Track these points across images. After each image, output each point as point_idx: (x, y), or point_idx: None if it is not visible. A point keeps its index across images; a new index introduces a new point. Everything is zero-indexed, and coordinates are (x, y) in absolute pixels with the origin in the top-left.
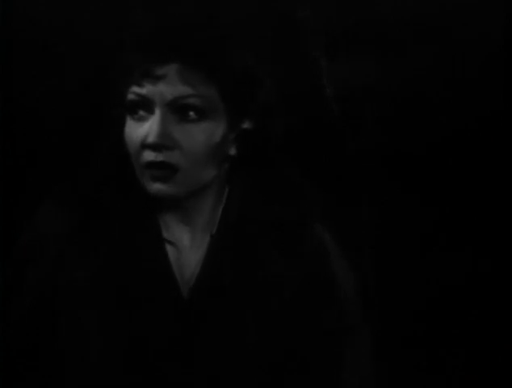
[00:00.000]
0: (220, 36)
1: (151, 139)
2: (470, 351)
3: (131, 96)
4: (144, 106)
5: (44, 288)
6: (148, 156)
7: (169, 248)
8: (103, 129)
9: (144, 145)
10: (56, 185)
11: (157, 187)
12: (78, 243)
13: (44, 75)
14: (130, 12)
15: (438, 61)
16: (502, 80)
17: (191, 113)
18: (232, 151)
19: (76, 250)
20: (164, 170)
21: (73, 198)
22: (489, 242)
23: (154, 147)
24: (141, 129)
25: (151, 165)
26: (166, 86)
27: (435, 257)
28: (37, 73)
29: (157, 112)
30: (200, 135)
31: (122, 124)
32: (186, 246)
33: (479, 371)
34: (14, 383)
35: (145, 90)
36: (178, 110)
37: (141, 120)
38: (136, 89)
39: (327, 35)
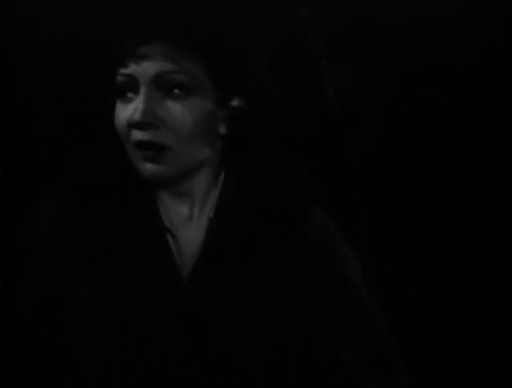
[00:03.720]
0: (203, 14)
1: (136, 117)
2: (470, 351)
3: (118, 78)
4: (131, 86)
5: (47, 282)
6: (136, 135)
7: (167, 233)
8: (101, 121)
9: (130, 124)
10: (54, 180)
11: (148, 167)
12: (80, 236)
13: (43, 74)
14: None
15: (438, 61)
16: (502, 80)
17: (176, 90)
18: (223, 130)
19: (78, 244)
20: (153, 150)
21: (73, 191)
22: (490, 241)
23: (140, 125)
24: (128, 110)
25: (139, 144)
26: (149, 64)
27: (435, 256)
28: (37, 72)
29: (142, 91)
30: (186, 112)
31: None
32: (183, 231)
33: (479, 371)
34: (14, 383)
35: (130, 69)
36: (163, 87)
37: (129, 101)
38: (122, 70)
39: (327, 36)
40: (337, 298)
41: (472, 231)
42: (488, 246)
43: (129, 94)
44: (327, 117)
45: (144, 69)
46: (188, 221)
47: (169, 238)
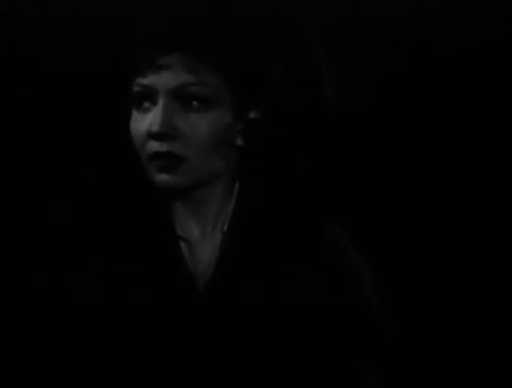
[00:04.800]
0: (226, 24)
1: (154, 128)
2: (472, 351)
3: (136, 88)
4: (149, 96)
5: (57, 289)
6: (153, 146)
7: (181, 243)
8: (109, 126)
9: (149, 135)
10: (62, 185)
11: (163, 177)
12: (90, 244)
13: (44, 74)
14: (134, 6)
15: (437, 63)
16: (503, 81)
17: (194, 103)
18: (239, 142)
19: (88, 252)
20: (169, 161)
21: (84, 198)
22: (491, 239)
23: (158, 137)
24: (145, 120)
25: (156, 155)
26: (169, 75)
27: (436, 255)
28: (37, 73)
29: (161, 102)
30: (204, 124)
31: (127, 118)
32: (197, 241)
33: (481, 371)
34: (14, 383)
35: (149, 80)
36: (181, 99)
37: (146, 111)
38: (140, 80)
39: (328, 36)
40: (350, 310)
41: (473, 232)
42: (491, 245)
43: (146, 104)
44: (327, 118)
45: (165, 80)
46: (202, 232)
47: (183, 248)
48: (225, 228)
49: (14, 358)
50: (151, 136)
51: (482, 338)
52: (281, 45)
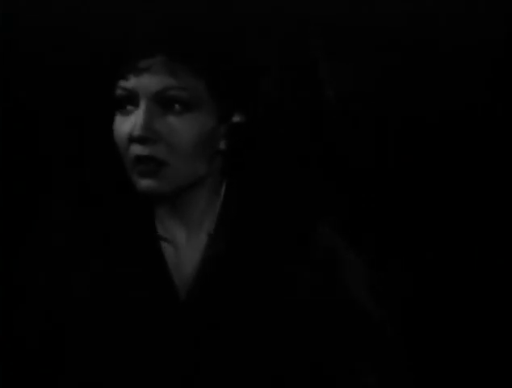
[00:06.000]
0: (210, 29)
1: (136, 132)
2: (472, 351)
3: (118, 91)
4: (131, 100)
5: (56, 289)
6: (135, 150)
7: (165, 246)
8: (109, 126)
9: (130, 139)
10: (62, 185)
11: (145, 183)
12: (90, 244)
13: (44, 74)
14: (133, 6)
15: (437, 62)
16: (503, 82)
17: (177, 106)
18: (222, 146)
19: (87, 252)
20: (151, 165)
21: (85, 198)
22: (491, 239)
23: (139, 140)
24: (127, 123)
25: (138, 159)
26: (150, 78)
27: (436, 255)
28: (37, 73)
29: (142, 105)
30: (186, 128)
31: (111, 121)
32: (183, 244)
33: (481, 371)
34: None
35: (130, 83)
36: (163, 102)
37: (128, 114)
38: (122, 83)
39: (328, 36)
40: (350, 310)
41: (473, 232)
42: (491, 243)
43: (129, 107)
44: (327, 118)
45: (146, 83)
46: (188, 236)
47: (168, 252)
48: (212, 230)
49: (14, 358)
50: (132, 139)
51: (482, 338)
52: (281, 45)
